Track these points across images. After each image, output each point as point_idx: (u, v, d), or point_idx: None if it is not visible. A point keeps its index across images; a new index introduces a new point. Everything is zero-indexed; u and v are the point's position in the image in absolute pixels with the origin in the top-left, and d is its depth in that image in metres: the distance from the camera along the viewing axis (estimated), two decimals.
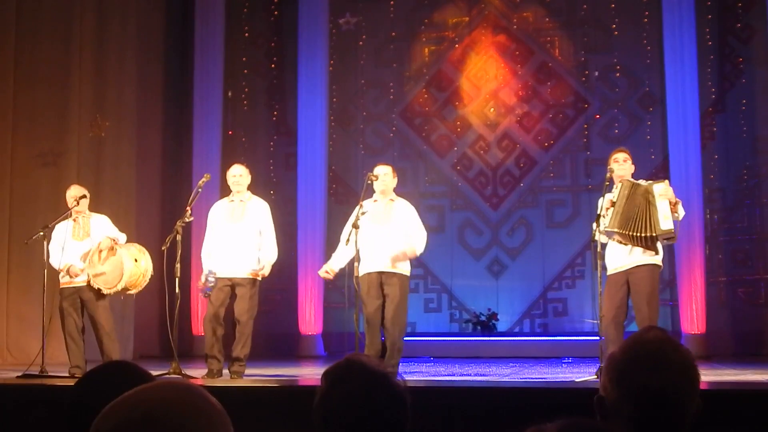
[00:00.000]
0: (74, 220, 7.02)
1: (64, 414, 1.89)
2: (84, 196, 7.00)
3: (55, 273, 7.03)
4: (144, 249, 6.98)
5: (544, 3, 11.24)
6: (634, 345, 1.81)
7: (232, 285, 6.62)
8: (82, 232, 6.98)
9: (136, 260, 6.84)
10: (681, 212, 6.08)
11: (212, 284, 6.64)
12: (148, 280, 7.02)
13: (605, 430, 1.63)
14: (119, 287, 6.81)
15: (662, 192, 5.95)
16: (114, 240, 6.89)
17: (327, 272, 6.66)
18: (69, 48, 9.86)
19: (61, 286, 6.95)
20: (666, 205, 5.93)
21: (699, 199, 9.82)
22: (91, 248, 6.87)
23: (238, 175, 6.77)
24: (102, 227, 7.03)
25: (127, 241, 7.09)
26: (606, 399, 1.78)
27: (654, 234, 5.92)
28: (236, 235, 6.64)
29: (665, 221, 5.90)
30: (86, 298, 6.85)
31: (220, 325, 6.60)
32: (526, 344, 10.17)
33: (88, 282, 6.82)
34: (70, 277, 6.87)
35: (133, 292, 7.07)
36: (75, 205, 6.94)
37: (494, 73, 11.25)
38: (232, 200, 6.79)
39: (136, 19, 10.48)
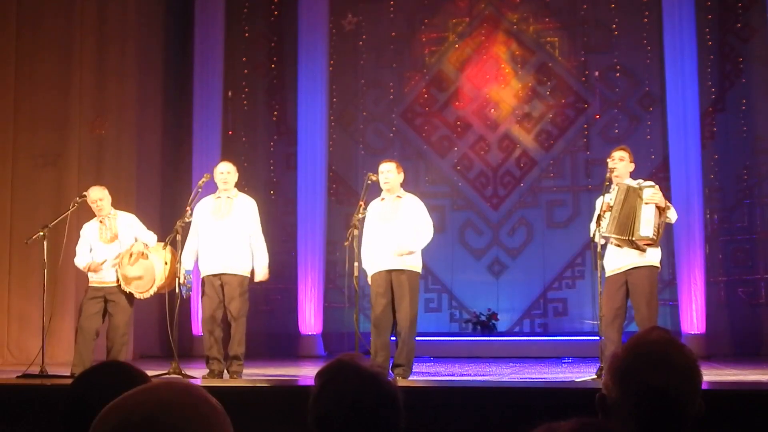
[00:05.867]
0: (100, 221, 6.89)
1: (60, 414, 1.89)
2: (101, 199, 6.84)
3: (57, 272, 7.00)
4: (171, 249, 6.81)
5: (544, 3, 11.22)
6: (637, 345, 1.81)
7: (222, 283, 6.59)
8: (110, 234, 6.84)
9: (166, 263, 6.77)
10: (672, 216, 6.07)
11: (190, 285, 6.63)
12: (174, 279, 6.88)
13: (617, 431, 1.63)
14: (151, 292, 6.77)
15: (649, 198, 5.93)
16: (146, 246, 6.83)
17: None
18: (69, 48, 9.85)
19: (89, 284, 6.85)
20: (651, 210, 5.90)
21: (699, 198, 9.82)
22: (121, 252, 6.77)
23: (226, 172, 6.73)
24: (130, 228, 6.92)
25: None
26: (608, 398, 1.78)
27: (632, 238, 5.91)
28: (224, 232, 6.60)
29: (646, 227, 5.88)
30: (112, 299, 6.76)
31: (218, 326, 6.60)
32: (526, 344, 10.16)
33: (118, 283, 6.75)
34: (95, 273, 6.76)
35: (161, 292, 6.99)
36: (95, 207, 6.84)
37: (494, 73, 11.24)
38: (219, 196, 6.74)
39: (136, 19, 10.49)
